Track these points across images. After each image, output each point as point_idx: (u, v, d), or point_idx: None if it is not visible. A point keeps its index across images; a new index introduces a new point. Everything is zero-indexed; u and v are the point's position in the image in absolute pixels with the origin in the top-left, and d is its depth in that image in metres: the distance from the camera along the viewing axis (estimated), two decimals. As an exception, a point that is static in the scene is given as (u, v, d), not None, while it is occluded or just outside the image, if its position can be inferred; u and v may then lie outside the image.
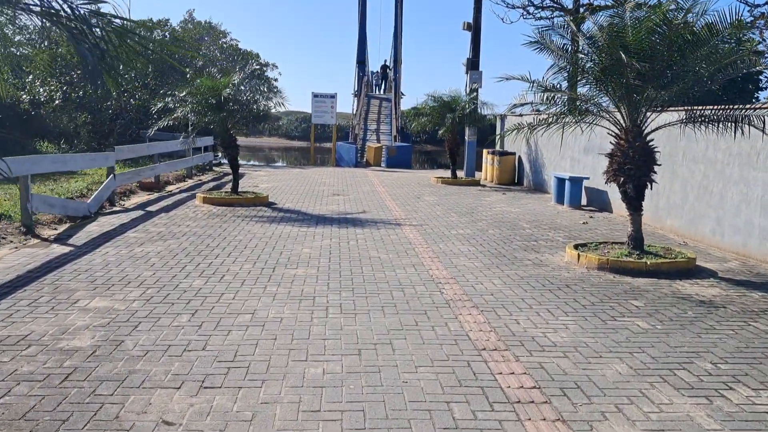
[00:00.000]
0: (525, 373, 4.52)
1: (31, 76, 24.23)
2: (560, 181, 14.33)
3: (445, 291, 6.60)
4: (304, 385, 4.18)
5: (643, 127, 8.24)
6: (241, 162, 32.93)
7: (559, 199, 14.32)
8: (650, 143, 8.20)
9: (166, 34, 30.30)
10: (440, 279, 7.12)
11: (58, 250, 8.15)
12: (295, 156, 58.18)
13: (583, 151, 14.65)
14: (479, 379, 4.38)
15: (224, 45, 33.36)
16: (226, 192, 13.59)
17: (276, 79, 33.56)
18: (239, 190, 13.76)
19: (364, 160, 28.89)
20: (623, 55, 7.25)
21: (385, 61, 43.88)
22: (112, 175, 12.26)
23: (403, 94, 38.52)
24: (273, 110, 37.55)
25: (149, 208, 12.23)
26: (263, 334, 5.15)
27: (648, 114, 8.27)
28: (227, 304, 5.96)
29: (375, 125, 35.76)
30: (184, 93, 12.32)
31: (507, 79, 8.57)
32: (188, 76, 13.10)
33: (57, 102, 24.00)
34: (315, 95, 28.12)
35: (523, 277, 7.33)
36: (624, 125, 8.29)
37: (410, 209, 12.95)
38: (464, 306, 6.08)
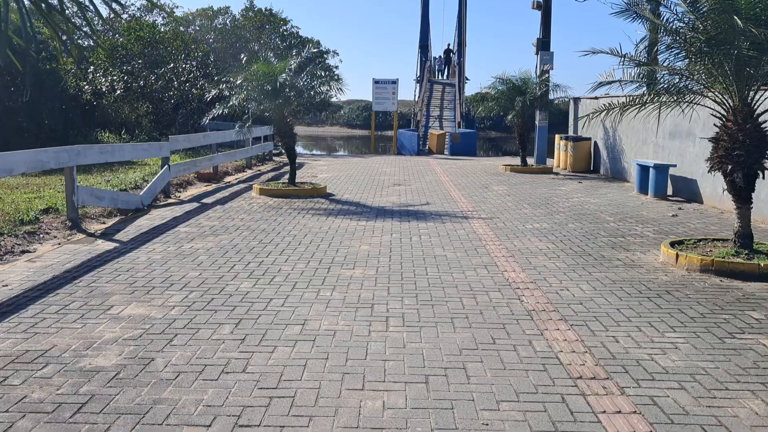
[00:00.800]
0: (635, 412, 3.61)
1: (92, 67, 24.35)
2: (643, 169, 13.09)
3: (525, 298, 5.70)
4: (359, 425, 3.39)
5: (755, 107, 7.08)
6: (301, 151, 32.64)
7: (642, 189, 13.08)
8: (763, 125, 7.03)
9: (227, 22, 30.08)
10: (518, 283, 6.21)
11: (102, 246, 7.64)
12: (356, 145, 57.75)
13: (668, 135, 13.34)
14: (578, 420, 3.50)
15: (285, 33, 32.91)
16: (283, 183, 12.98)
17: (337, 67, 32.92)
18: (297, 181, 13.12)
19: (427, 147, 27.99)
20: (737, 20, 6.12)
21: (449, 45, 42.69)
22: (166, 167, 11.81)
23: (467, 79, 37.35)
24: (333, 98, 37.07)
25: (205, 200, 11.73)
26: (313, 351, 4.39)
27: (761, 91, 7.10)
28: (275, 312, 5.24)
29: (438, 111, 34.72)
30: (239, 79, 11.72)
31: (593, 53, 7.50)
32: (243, 61, 12.49)
33: (118, 92, 24.05)
34: (376, 81, 27.34)
35: (614, 281, 6.34)
36: (732, 105, 7.14)
37: (478, 200, 12.01)
38: (549, 318, 5.17)
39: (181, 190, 13.15)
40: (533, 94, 17.47)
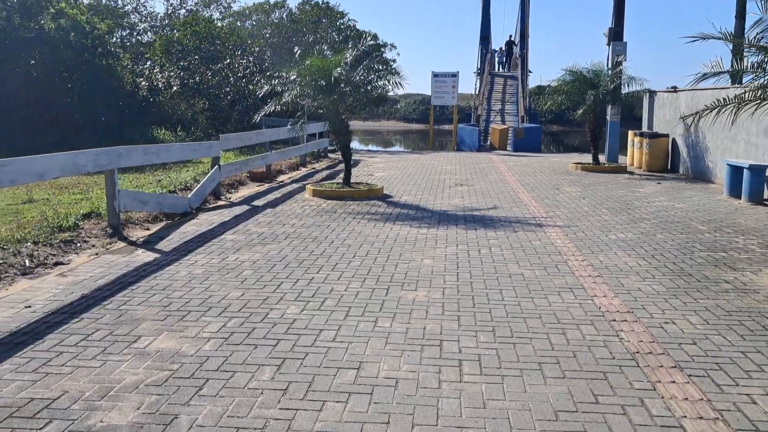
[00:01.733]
0: None
1: (149, 62, 24.20)
2: (735, 170, 11.76)
3: (625, 335, 4.72)
4: None
5: None
6: (357, 146, 31.89)
7: (734, 192, 11.75)
8: None
9: (284, 16, 29.62)
10: (612, 313, 5.22)
11: (141, 258, 7.00)
12: (412, 139, 56.79)
13: (762, 133, 11.96)
14: None
15: (341, 26, 32.29)
16: (337, 184, 12.20)
17: (394, 60, 32.12)
18: (352, 181, 12.34)
19: (488, 143, 26.86)
20: None
21: (510, 36, 41.22)
22: (216, 167, 11.19)
23: (530, 71, 35.88)
24: (390, 93, 36.32)
25: (255, 202, 11.06)
26: (370, 411, 3.55)
27: None
28: (325, 349, 4.42)
29: (499, 105, 33.45)
30: (292, 74, 10.99)
31: (703, 38, 6.42)
32: (297, 55, 11.77)
33: (175, 88, 23.81)
34: (435, 75, 26.35)
35: (729, 312, 5.28)
36: None
37: (550, 204, 10.96)
38: (660, 365, 4.19)
39: (233, 190, 12.54)
40: (606, 87, 16.19)
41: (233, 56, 25.28)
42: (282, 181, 14.37)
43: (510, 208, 10.59)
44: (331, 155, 22.13)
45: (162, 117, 24.04)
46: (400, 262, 6.87)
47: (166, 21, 30.91)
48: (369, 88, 11.21)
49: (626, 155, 19.08)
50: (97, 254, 7.16)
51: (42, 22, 20.64)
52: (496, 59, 41.33)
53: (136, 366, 4.11)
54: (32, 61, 20.77)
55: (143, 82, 23.56)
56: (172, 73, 23.67)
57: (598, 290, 5.86)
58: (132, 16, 35.83)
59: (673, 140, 16.60)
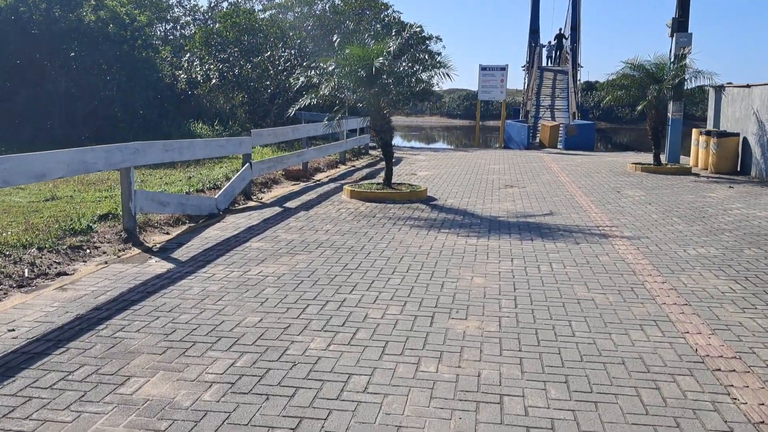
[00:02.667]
0: None
1: (188, 55, 23.68)
2: (825, 174, 10.43)
3: (739, 393, 3.68)
4: None
5: None
6: (399, 143, 30.92)
7: (823, 199, 10.43)
8: None
9: (326, 7, 28.83)
10: (714, 358, 4.18)
11: (153, 269, 6.21)
12: (457, 135, 55.59)
13: None
14: None
15: (385, 18, 31.31)
16: (378, 184, 11.29)
17: (439, 53, 30.96)
18: (393, 181, 11.41)
19: (537, 140, 25.61)
20: None
21: (560, 29, 39.69)
22: (247, 165, 10.41)
23: (580, 66, 34.36)
24: (436, 87, 35.20)
25: (288, 204, 10.23)
26: None
27: None
28: (354, 404, 3.50)
29: (549, 101, 32.08)
30: (330, 65, 10.11)
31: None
32: (336, 44, 10.89)
33: (214, 81, 23.25)
34: (483, 68, 25.20)
35: None
36: None
37: (613, 210, 9.85)
38: (798, 444, 3.15)
39: (265, 190, 11.74)
40: (671, 81, 14.88)
41: (274, 48, 24.61)
42: (319, 180, 13.54)
43: (568, 214, 9.52)
44: (372, 152, 21.24)
45: (200, 110, 23.53)
46: (446, 280, 5.92)
47: (209, 14, 30.42)
48: (414, 80, 10.24)
49: (689, 155, 17.72)
50: (106, 263, 6.40)
51: (82, 14, 20.26)
52: (545, 53, 39.85)
53: (115, 422, 3.27)
54: (72, 54, 20.43)
55: (182, 75, 23.05)
56: (211, 66, 23.11)
57: (689, 324, 4.81)
58: (176, 10, 35.59)
59: (744, 139, 15.19)
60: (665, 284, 5.87)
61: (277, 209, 9.70)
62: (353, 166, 16.84)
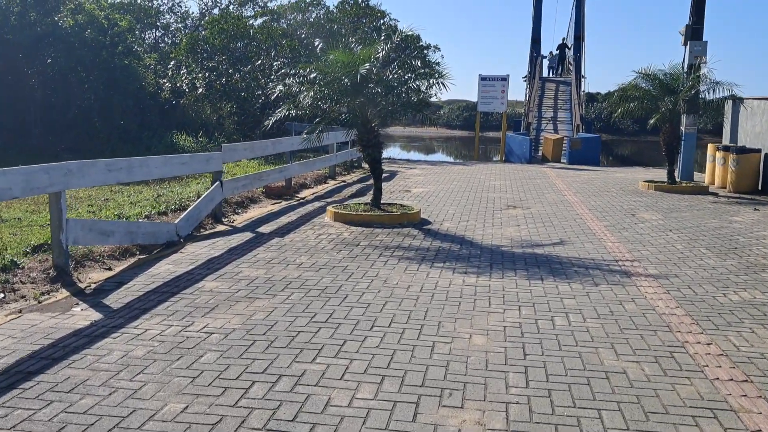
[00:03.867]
0: None
1: (173, 62, 22.53)
2: None
3: None
4: None
5: None
6: (395, 156, 29.71)
7: None
8: None
9: (321, 14, 27.76)
10: (811, 483, 2.97)
11: (74, 321, 4.99)
12: (455, 147, 54.47)
13: None
14: None
15: (382, 26, 30.24)
16: (365, 205, 10.08)
17: (438, 63, 29.87)
18: (383, 201, 10.23)
19: (540, 154, 24.47)
20: None
21: (563, 39, 38.62)
22: (217, 184, 9.22)
23: (583, 77, 33.26)
24: (433, 97, 33.96)
25: (262, 228, 9.04)
26: None
27: None
28: None
29: (551, 113, 30.97)
30: (311, 72, 8.94)
31: None
32: (318, 48, 9.72)
33: (200, 90, 22.09)
34: (483, 78, 24.06)
35: None
36: None
37: (630, 238, 8.65)
38: None
39: (240, 210, 10.53)
40: (687, 93, 13.72)
41: (266, 57, 23.47)
42: (304, 198, 12.34)
43: (581, 243, 8.31)
44: (364, 165, 20.05)
45: (186, 121, 22.32)
46: (438, 340, 4.71)
47: (200, 21, 29.33)
48: (405, 89, 9.06)
49: (704, 172, 16.57)
50: (20, 312, 5.19)
51: (59, 18, 19.13)
52: (546, 64, 38.77)
53: None
54: (48, 60, 19.30)
55: (166, 84, 21.89)
56: (198, 74, 21.96)
57: (759, 416, 3.60)
58: (168, 16, 34.53)
59: (766, 156, 14.02)
60: (711, 346, 4.66)
61: (248, 235, 8.50)
62: (343, 181, 15.66)
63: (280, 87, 9.39)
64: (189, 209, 8.39)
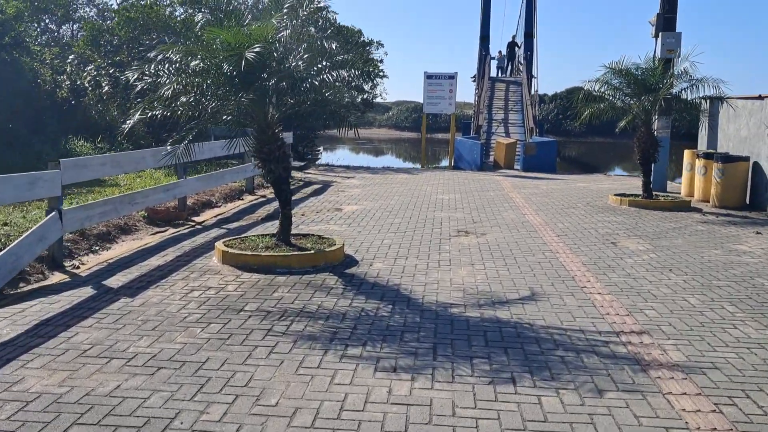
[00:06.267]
0: None
1: (72, 56, 19.49)
2: None
3: None
4: None
5: None
6: (334, 160, 27.06)
7: None
8: None
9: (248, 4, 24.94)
10: None
11: None
12: (404, 148, 52.22)
13: None
14: None
15: (319, 20, 27.69)
16: (270, 238, 7.51)
17: (381, 61, 27.57)
18: (296, 232, 7.74)
19: (491, 160, 22.31)
20: None
21: (513, 37, 36.75)
22: (54, 213, 6.55)
23: (533, 76, 31.35)
24: (379, 98, 31.27)
25: (114, 279, 6.41)
26: None
27: None
28: None
29: (502, 114, 28.94)
30: (174, 55, 6.36)
31: None
32: (198, 26, 7.14)
33: (106, 88, 19.10)
34: (429, 76, 21.73)
35: None
36: None
37: (623, 285, 6.35)
38: None
39: (101, 246, 7.84)
40: (668, 91, 11.64)
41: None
42: (202, 223, 9.72)
43: (558, 296, 5.97)
44: (296, 174, 17.47)
45: (89, 124, 19.32)
46: None
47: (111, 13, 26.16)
48: (318, 83, 6.53)
49: (672, 180, 14.64)
50: None
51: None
52: (494, 65, 36.79)
53: None
54: None
55: (65, 82, 18.83)
56: (101, 71, 18.96)
57: None
58: (88, 9, 31.19)
59: (756, 165, 12.05)
60: None
61: (86, 292, 5.86)
62: (263, 196, 13.04)
63: (137, 75, 6.75)
64: (4, 251, 5.71)
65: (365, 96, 35.89)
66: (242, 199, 12.54)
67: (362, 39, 28.08)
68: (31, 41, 20.38)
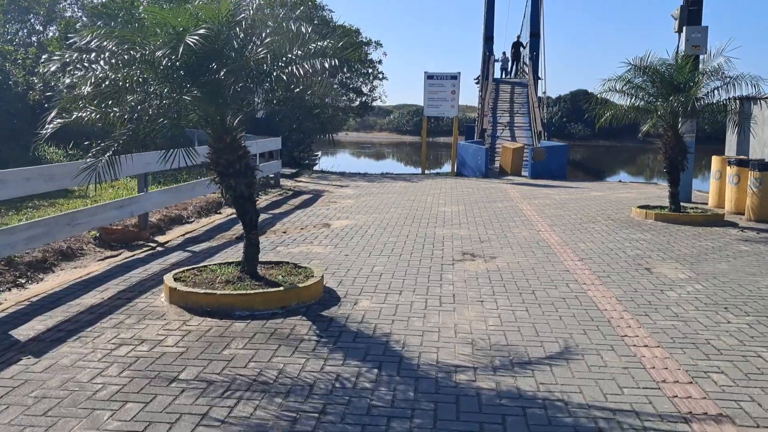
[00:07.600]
0: None
1: (44, 56, 18.16)
2: None
3: None
4: None
5: None
6: (329, 166, 25.71)
7: None
8: None
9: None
10: None
11: None
12: (406, 152, 50.87)
13: None
14: None
15: (316, 19, 26.36)
16: (236, 267, 6.14)
17: (380, 61, 26.30)
18: (266, 259, 6.38)
19: (497, 166, 20.93)
20: None
21: (518, 37, 35.34)
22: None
23: (539, 78, 29.97)
24: (378, 101, 29.87)
25: (26, 327, 5.06)
26: None
27: None
28: None
29: (507, 117, 27.58)
30: (95, 39, 5.05)
31: None
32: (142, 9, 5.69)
33: (85, 89, 17.76)
34: (429, 76, 20.38)
35: None
36: None
37: (672, 333, 4.98)
38: None
39: (32, 276, 6.49)
40: (700, 90, 10.28)
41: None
42: (164, 244, 8.37)
43: (596, 351, 4.60)
44: (285, 182, 16.16)
45: (65, 127, 17.98)
46: None
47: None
48: (285, 76, 5.16)
49: (708, 191, 13.27)
50: None
51: None
52: (498, 66, 35.40)
53: None
54: None
55: (38, 84, 17.52)
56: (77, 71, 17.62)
57: None
58: (74, 9, 29.92)
59: (798, 174, 10.66)
60: None
61: (-18, 349, 4.51)
62: (244, 209, 11.65)
63: (57, 66, 5.40)
64: None
65: (363, 98, 34.61)
66: (220, 213, 11.20)
67: (360, 38, 26.77)
68: (4, 42, 19.12)
